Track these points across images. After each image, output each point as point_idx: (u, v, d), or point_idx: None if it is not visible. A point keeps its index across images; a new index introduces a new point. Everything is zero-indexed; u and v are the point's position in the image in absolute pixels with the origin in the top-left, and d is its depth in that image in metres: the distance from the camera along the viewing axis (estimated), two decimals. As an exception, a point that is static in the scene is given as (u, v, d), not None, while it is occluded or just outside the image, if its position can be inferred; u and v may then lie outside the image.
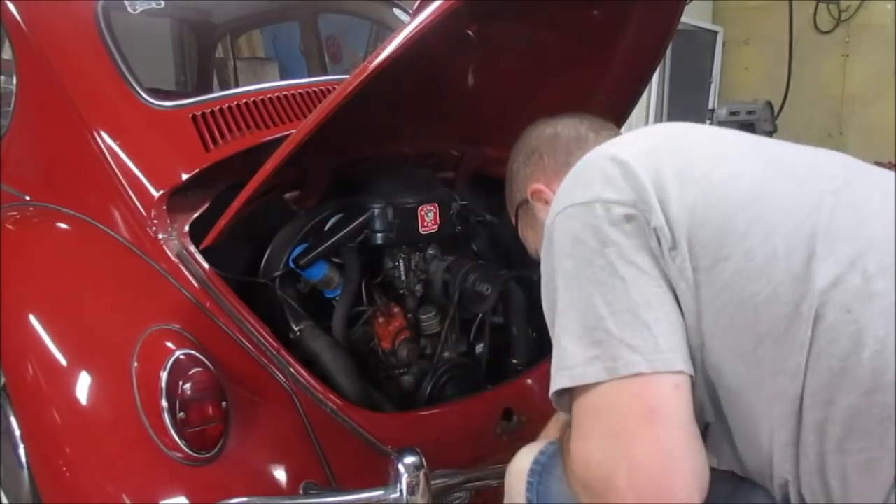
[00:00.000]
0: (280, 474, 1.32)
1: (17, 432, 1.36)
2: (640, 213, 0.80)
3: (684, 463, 0.74)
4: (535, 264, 2.01)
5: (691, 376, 0.78)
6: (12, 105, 1.78)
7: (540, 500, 0.94)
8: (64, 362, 1.31)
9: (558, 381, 0.80)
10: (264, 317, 1.48)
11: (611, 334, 0.77)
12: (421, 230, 1.64)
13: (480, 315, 1.82)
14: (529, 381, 1.71)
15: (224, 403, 1.27)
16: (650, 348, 0.75)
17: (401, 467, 1.19)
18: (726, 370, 0.78)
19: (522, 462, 1.00)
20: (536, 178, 1.21)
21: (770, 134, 3.64)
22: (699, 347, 0.79)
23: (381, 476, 1.23)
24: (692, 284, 0.78)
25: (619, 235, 0.80)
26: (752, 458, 0.80)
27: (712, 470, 0.81)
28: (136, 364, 1.27)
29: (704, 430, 0.83)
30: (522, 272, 1.92)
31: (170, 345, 1.28)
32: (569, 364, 0.79)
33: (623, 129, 1.73)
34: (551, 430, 1.19)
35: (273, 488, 1.30)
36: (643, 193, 0.81)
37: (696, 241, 0.78)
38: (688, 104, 3.82)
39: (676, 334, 0.77)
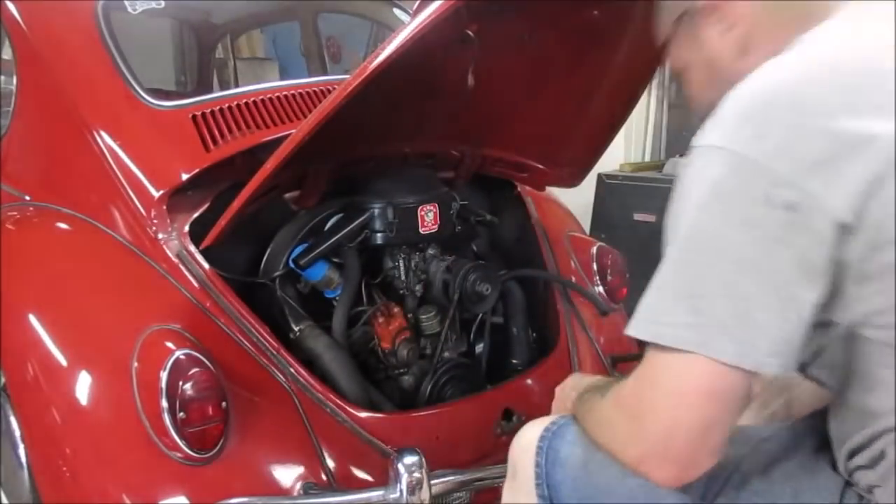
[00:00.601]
0: (280, 474, 1.32)
1: (17, 432, 1.36)
2: (808, 198, 0.69)
3: (718, 445, 0.76)
4: (535, 264, 2.01)
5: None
6: (12, 105, 1.78)
7: (549, 462, 0.93)
8: (64, 362, 1.31)
9: (644, 331, 0.77)
10: (264, 317, 1.48)
11: (715, 311, 0.72)
12: (421, 230, 1.64)
13: (480, 315, 1.82)
14: (529, 381, 1.72)
15: (224, 403, 1.27)
16: (748, 346, 0.72)
17: (401, 467, 1.19)
18: (869, 346, 0.75)
19: (531, 432, 0.98)
20: None
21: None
22: (840, 319, 0.75)
23: (381, 476, 1.24)
24: (856, 268, 0.71)
25: (770, 223, 0.70)
26: (858, 399, 0.78)
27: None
28: (136, 364, 1.27)
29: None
30: (522, 272, 1.92)
31: (170, 345, 1.28)
32: (661, 320, 0.76)
33: (623, 129, 1.73)
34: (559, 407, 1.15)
35: (273, 488, 1.31)
36: (832, 167, 0.68)
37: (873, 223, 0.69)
38: (688, 104, 3.81)
39: (787, 343, 0.73)
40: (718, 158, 0.73)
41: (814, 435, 0.90)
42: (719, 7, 0.87)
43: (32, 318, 1.36)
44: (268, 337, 1.43)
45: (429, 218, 1.65)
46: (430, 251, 1.73)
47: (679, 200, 0.77)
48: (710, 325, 0.73)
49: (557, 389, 1.14)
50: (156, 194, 1.50)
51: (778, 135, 0.71)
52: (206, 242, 1.44)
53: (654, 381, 0.77)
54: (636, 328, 0.78)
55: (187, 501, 1.22)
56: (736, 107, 0.75)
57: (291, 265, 1.57)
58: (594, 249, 2.03)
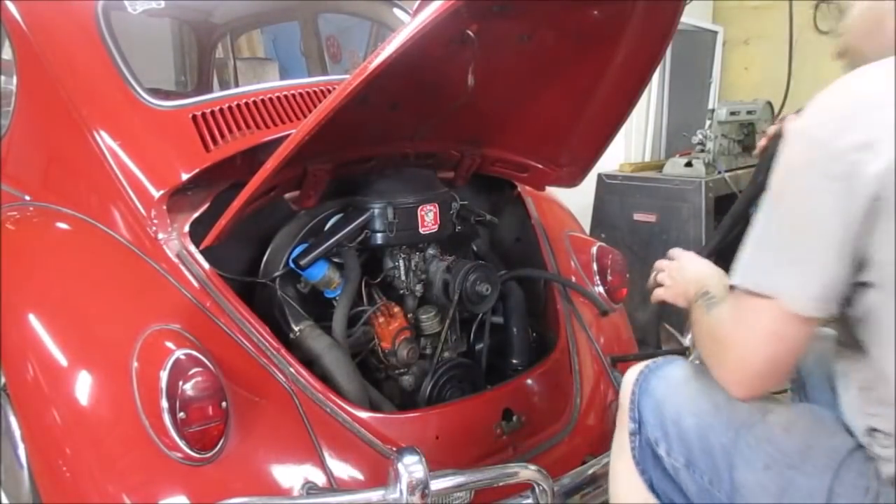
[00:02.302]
0: (280, 474, 1.32)
1: (17, 432, 1.36)
2: (857, 167, 0.84)
3: (781, 375, 0.97)
4: (535, 264, 2.01)
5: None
6: (12, 105, 1.78)
7: (641, 392, 1.15)
8: (64, 362, 1.31)
9: (736, 277, 0.96)
10: (264, 317, 1.48)
11: (780, 261, 0.91)
12: (421, 230, 1.64)
13: (480, 315, 1.82)
14: (529, 381, 1.72)
15: (224, 403, 1.27)
16: (798, 290, 0.90)
17: (401, 467, 1.19)
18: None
19: (636, 369, 1.20)
20: None
21: (770, 134, 3.63)
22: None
23: (381, 476, 1.23)
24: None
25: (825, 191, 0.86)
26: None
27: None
28: (136, 364, 1.27)
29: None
30: (522, 272, 1.92)
31: (170, 345, 1.28)
32: (747, 268, 0.94)
33: (623, 129, 1.73)
34: None
35: (273, 488, 1.31)
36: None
37: None
38: (688, 104, 3.81)
39: (828, 292, 0.89)
40: (798, 142, 0.91)
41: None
42: None
43: (32, 318, 1.36)
44: (268, 337, 1.43)
45: (429, 218, 1.65)
46: (430, 251, 1.73)
47: (773, 173, 0.94)
48: (776, 273, 0.91)
49: (674, 272, 1.24)
50: (156, 194, 1.50)
51: (840, 120, 0.87)
52: (206, 242, 1.44)
53: (739, 320, 0.95)
54: (735, 275, 0.96)
55: (187, 501, 1.22)
56: (828, 99, 0.91)
57: (291, 265, 1.57)
58: (594, 249, 2.03)
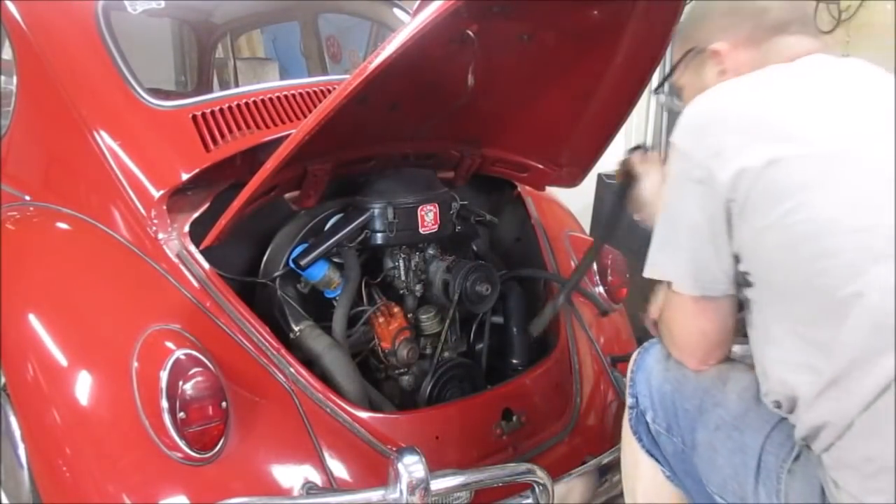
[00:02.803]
0: (280, 474, 1.32)
1: (17, 432, 1.36)
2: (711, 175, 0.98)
3: (721, 343, 1.11)
4: (535, 264, 2.01)
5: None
6: (12, 105, 1.78)
7: (637, 368, 1.28)
8: (64, 362, 1.31)
9: (649, 271, 1.11)
10: (264, 317, 1.48)
11: (670, 255, 1.08)
12: (421, 230, 1.64)
13: (480, 315, 1.82)
14: (529, 381, 1.72)
15: (224, 403, 1.27)
16: (679, 278, 1.07)
17: (401, 467, 1.19)
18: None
19: (636, 352, 1.32)
20: (725, 36, 1.16)
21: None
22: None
23: (381, 476, 1.24)
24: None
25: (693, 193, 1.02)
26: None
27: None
28: (136, 364, 1.27)
29: None
30: (522, 272, 1.92)
31: (170, 345, 1.28)
32: (655, 263, 1.10)
33: (623, 129, 1.73)
34: None
35: (273, 488, 1.31)
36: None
37: None
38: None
39: (703, 276, 1.04)
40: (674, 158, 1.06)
41: None
42: (721, 57, 1.17)
43: (32, 318, 1.36)
44: (268, 337, 1.43)
45: (429, 218, 1.65)
46: (430, 251, 1.73)
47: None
48: (664, 263, 1.09)
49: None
50: (156, 194, 1.50)
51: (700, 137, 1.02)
52: (206, 242, 1.44)
53: (667, 304, 1.13)
54: (646, 269, 1.11)
55: (187, 501, 1.23)
56: (695, 122, 1.06)
57: (291, 265, 1.57)
58: (594, 249, 2.03)
